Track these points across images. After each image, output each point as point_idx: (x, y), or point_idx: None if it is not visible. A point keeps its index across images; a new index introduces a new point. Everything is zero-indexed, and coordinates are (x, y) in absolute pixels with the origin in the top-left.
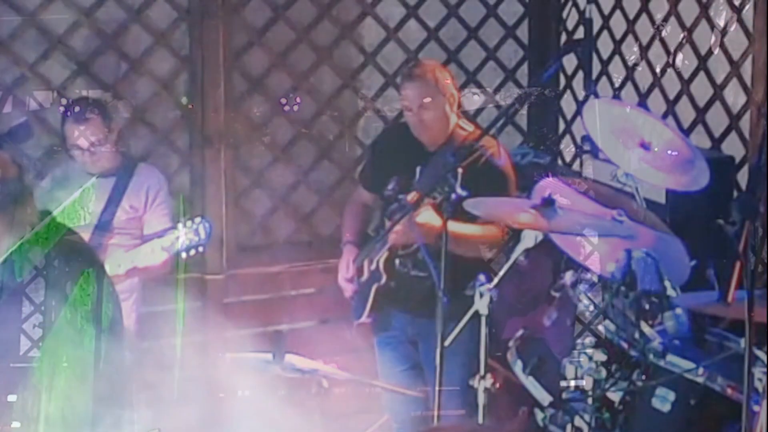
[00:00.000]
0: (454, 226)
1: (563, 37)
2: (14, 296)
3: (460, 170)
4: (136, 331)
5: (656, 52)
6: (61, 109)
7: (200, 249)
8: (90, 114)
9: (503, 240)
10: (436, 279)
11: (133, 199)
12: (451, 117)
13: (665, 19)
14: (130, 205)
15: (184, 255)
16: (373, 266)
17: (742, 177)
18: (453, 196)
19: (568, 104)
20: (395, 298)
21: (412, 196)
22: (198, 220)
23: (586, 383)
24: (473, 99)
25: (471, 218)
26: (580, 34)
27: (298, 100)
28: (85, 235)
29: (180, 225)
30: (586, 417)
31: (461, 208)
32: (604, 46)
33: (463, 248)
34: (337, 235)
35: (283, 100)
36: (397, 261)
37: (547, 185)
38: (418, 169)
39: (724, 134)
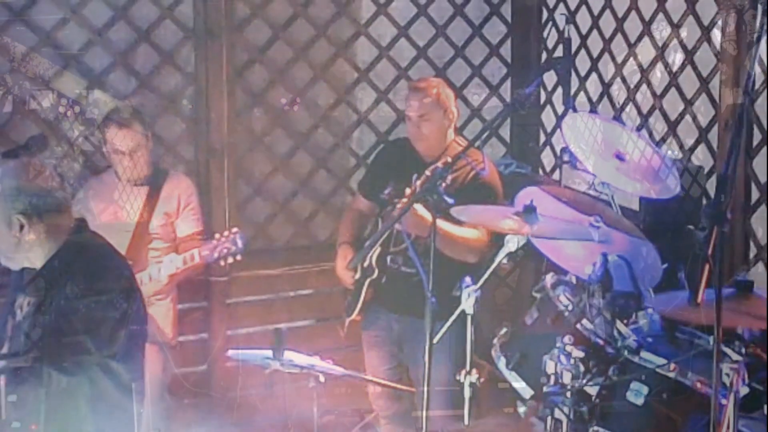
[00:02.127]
0: (447, 226)
1: (544, 55)
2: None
3: (448, 179)
4: (173, 326)
5: (630, 69)
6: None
7: (237, 257)
8: (131, 120)
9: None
10: (423, 279)
11: (166, 206)
12: (448, 132)
13: (639, 39)
14: (164, 211)
15: (222, 263)
16: (366, 262)
17: (711, 185)
18: (441, 203)
19: (548, 118)
20: (385, 294)
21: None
22: (235, 230)
23: (565, 378)
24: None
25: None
26: (559, 52)
27: (295, 108)
28: (124, 241)
29: (218, 235)
30: (565, 410)
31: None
32: (582, 63)
33: (453, 249)
34: (333, 239)
35: (284, 101)
36: (388, 258)
37: (529, 193)
38: (413, 178)
39: (694, 146)
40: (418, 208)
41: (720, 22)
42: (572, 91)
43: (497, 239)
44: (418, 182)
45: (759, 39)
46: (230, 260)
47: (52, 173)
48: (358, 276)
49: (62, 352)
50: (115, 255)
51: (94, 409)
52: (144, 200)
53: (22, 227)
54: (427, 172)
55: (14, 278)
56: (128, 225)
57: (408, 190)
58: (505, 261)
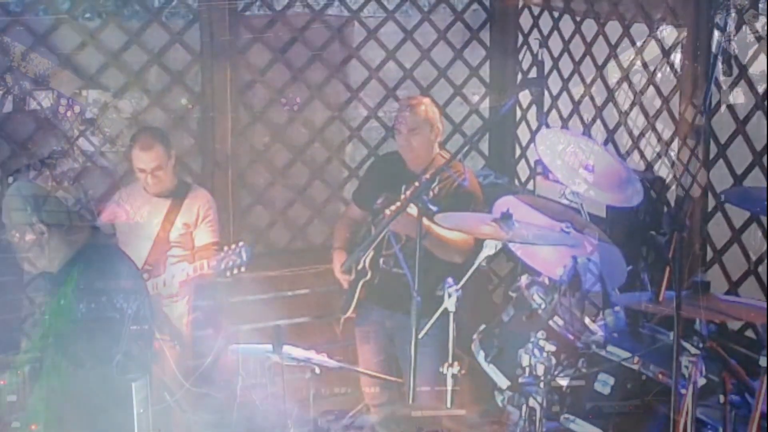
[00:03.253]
0: (437, 228)
1: (519, 76)
2: None
3: (434, 190)
4: (190, 324)
5: (598, 89)
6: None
7: (242, 269)
8: (154, 142)
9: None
10: (410, 280)
11: (186, 217)
12: (434, 146)
13: (606, 61)
14: (183, 222)
15: (228, 273)
16: (360, 265)
17: (671, 195)
18: (426, 212)
19: (523, 133)
20: (377, 293)
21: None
22: (241, 244)
23: (539, 370)
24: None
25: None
26: (533, 73)
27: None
28: (146, 248)
29: (225, 248)
30: (539, 399)
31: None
32: (554, 83)
33: (443, 250)
34: (328, 244)
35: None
36: (381, 260)
37: (506, 202)
38: (403, 188)
39: (656, 159)
40: (411, 209)
41: (680, 46)
42: (545, 109)
43: (479, 243)
44: (408, 192)
45: (715, 62)
46: (236, 271)
47: (69, 184)
48: (352, 277)
49: (75, 347)
50: (126, 260)
51: (103, 399)
52: (166, 211)
53: (43, 233)
54: (417, 183)
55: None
56: (150, 233)
57: (399, 200)
58: (484, 263)
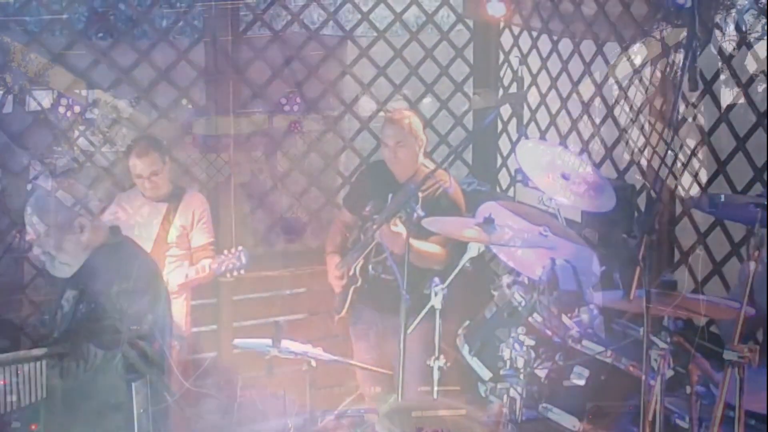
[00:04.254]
0: (417, 243)
1: (501, 91)
2: None
3: (420, 196)
4: (186, 320)
5: (574, 103)
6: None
7: (241, 272)
8: (149, 149)
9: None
10: (399, 281)
11: (182, 220)
12: (418, 156)
13: (581, 77)
14: (181, 224)
15: (228, 275)
16: (351, 272)
17: (641, 201)
18: (414, 216)
19: (504, 144)
20: (368, 296)
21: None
22: (240, 248)
23: (519, 363)
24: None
25: (428, 236)
26: (513, 88)
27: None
28: (147, 248)
29: (225, 252)
30: (519, 389)
31: (421, 227)
32: (533, 98)
33: (421, 261)
34: (322, 246)
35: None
36: (370, 267)
37: (488, 207)
38: (389, 196)
39: (627, 167)
40: (395, 226)
41: (649, 63)
42: (524, 122)
43: (461, 247)
44: (395, 200)
45: (682, 78)
46: (235, 273)
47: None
48: (344, 282)
49: (100, 333)
50: (144, 255)
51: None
52: (164, 214)
53: (82, 229)
54: (391, 195)
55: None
56: (150, 234)
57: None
58: (468, 265)
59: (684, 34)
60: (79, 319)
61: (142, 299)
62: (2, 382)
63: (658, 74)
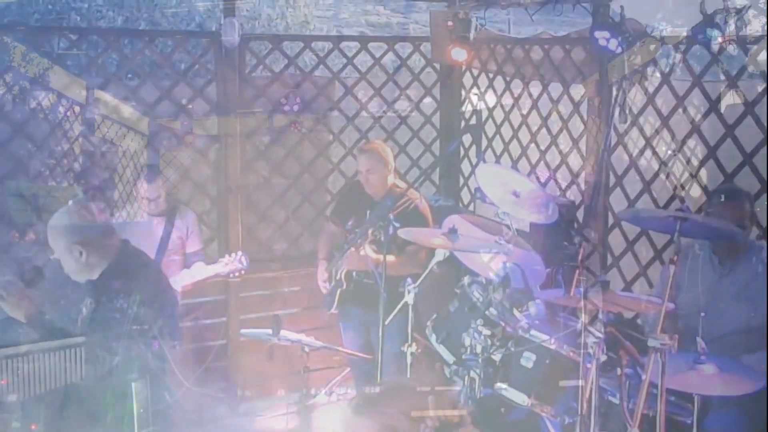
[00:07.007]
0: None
1: (462, 123)
2: None
3: (394, 212)
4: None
5: (523, 134)
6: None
7: (242, 273)
8: (155, 176)
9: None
10: (378, 283)
11: (178, 231)
12: (387, 179)
13: (529, 110)
14: (177, 235)
15: (230, 277)
16: (338, 276)
17: (580, 214)
18: (390, 228)
19: (465, 167)
20: (353, 297)
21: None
22: (240, 253)
23: (478, 349)
24: (403, 163)
25: (396, 250)
26: (473, 120)
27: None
28: (151, 255)
29: (227, 256)
30: (478, 371)
31: (395, 240)
32: (489, 128)
33: (394, 271)
34: (314, 252)
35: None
36: (354, 273)
37: (452, 220)
38: (368, 212)
39: (568, 186)
40: (366, 250)
41: (587, 100)
42: (483, 148)
43: (430, 253)
44: (373, 214)
45: (614, 111)
46: (237, 275)
47: (107, 207)
48: (330, 286)
49: (114, 337)
50: (152, 264)
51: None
52: (163, 227)
53: (81, 254)
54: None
55: (83, 285)
56: (154, 244)
57: (367, 221)
58: (435, 267)
59: (616, 72)
60: (96, 322)
61: (153, 304)
62: (2, 382)
63: (594, 108)
